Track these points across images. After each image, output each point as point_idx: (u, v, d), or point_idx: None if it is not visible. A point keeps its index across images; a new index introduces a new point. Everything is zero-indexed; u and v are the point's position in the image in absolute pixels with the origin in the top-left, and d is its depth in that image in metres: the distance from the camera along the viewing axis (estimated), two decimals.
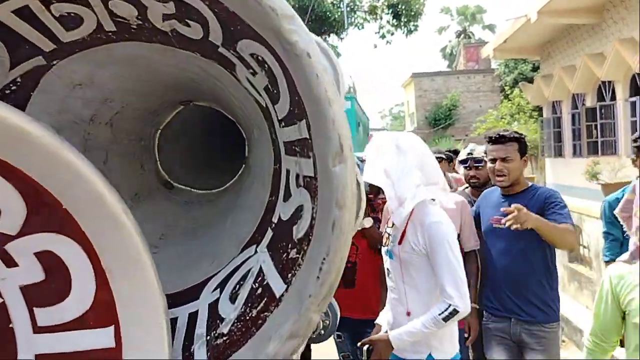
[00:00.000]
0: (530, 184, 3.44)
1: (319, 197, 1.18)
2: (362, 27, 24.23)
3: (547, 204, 3.21)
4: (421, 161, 2.64)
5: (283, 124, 1.28)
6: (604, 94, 11.96)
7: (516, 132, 3.43)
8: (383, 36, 24.13)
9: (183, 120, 1.97)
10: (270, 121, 1.37)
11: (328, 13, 21.95)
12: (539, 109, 17.34)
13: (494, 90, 28.29)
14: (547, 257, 3.29)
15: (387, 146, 2.61)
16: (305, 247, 1.20)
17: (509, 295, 3.31)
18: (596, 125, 12.06)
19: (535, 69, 20.63)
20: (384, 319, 2.88)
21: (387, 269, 2.79)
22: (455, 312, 2.48)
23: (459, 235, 3.28)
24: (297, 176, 1.27)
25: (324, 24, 22.08)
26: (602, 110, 11.90)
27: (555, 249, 3.30)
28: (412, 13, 23.34)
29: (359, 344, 2.71)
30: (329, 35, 23.20)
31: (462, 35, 44.96)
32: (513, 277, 3.30)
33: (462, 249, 3.30)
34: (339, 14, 22.29)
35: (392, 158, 2.58)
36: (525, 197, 3.32)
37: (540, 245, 3.23)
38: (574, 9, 11.57)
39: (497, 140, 3.36)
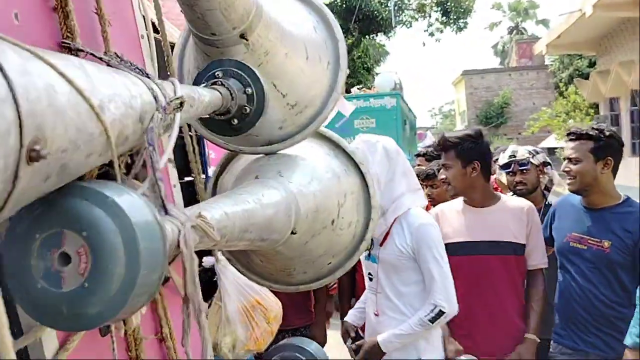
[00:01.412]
0: (624, 197, 2.85)
1: None
2: (410, 26, 24.09)
3: None
4: (406, 167, 2.51)
5: None
6: None
7: (596, 129, 2.80)
8: (432, 34, 23.95)
9: None
10: None
11: (375, 12, 21.73)
12: (596, 106, 16.57)
13: (548, 87, 27.42)
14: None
15: (375, 149, 2.43)
16: None
17: (588, 327, 2.78)
18: None
19: (592, 64, 19.77)
20: (353, 316, 2.88)
21: (369, 273, 2.68)
22: (441, 313, 2.45)
23: (523, 248, 2.91)
24: None
25: (371, 23, 21.91)
26: None
27: None
28: (462, 10, 23.11)
29: (348, 344, 2.72)
30: (376, 35, 23.18)
31: (515, 31, 43.78)
32: (596, 305, 2.76)
33: (520, 265, 2.95)
34: (387, 12, 22.07)
35: (382, 163, 2.44)
36: (614, 214, 2.76)
37: (633, 271, 2.70)
38: (631, 1, 10.87)
39: (568, 136, 2.90)
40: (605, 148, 2.76)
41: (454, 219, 3.03)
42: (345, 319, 2.93)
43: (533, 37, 34.97)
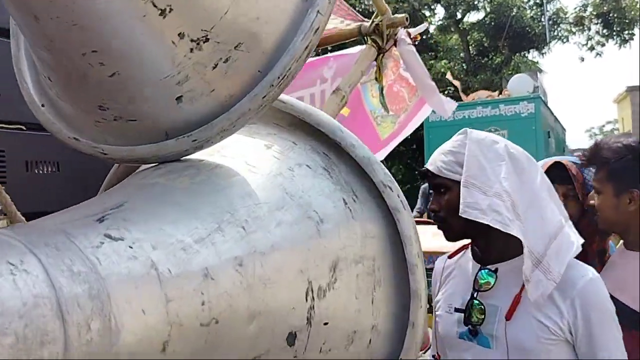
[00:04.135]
0: None
1: None
2: (567, 40, 22.89)
3: None
4: (547, 183, 1.50)
5: None
6: None
7: None
8: (592, 48, 21.93)
9: None
10: None
11: (527, 28, 20.33)
12: None
13: None
14: None
15: (496, 152, 1.47)
16: None
17: None
18: None
19: None
20: None
21: None
22: None
23: None
24: None
25: (523, 39, 20.49)
26: None
27: None
28: (626, 21, 21.36)
29: None
30: (528, 52, 21.68)
31: None
32: None
33: None
34: (540, 28, 20.54)
35: (511, 175, 1.44)
36: None
37: None
38: None
39: None
40: None
41: (620, 266, 1.94)
42: None
43: None
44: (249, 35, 0.66)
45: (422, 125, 7.66)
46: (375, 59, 2.25)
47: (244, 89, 0.68)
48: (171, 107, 0.67)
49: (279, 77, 0.68)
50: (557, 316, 1.42)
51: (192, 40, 0.64)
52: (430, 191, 1.60)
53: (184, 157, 0.73)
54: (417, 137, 7.85)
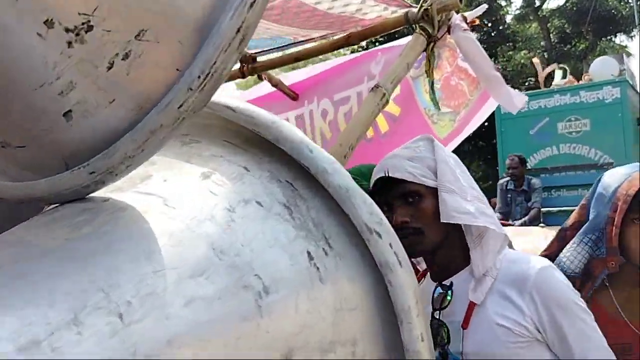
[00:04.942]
0: None
1: None
2: None
3: None
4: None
5: None
6: None
7: None
8: None
9: None
10: None
11: (613, 11, 19.52)
12: None
13: None
14: None
15: (453, 157, 1.47)
16: None
17: None
18: None
19: None
20: None
21: None
22: None
23: None
24: None
25: (609, 23, 19.58)
26: None
27: None
28: None
29: None
30: (615, 36, 20.67)
31: None
32: None
33: None
34: (627, 9, 19.56)
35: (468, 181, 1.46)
36: None
37: None
38: None
39: None
40: None
41: None
42: None
43: None
44: (156, 18, 0.44)
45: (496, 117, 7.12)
46: (425, 50, 1.98)
47: (156, 96, 0.46)
48: (60, 127, 0.47)
49: (199, 77, 0.45)
50: (517, 315, 1.35)
51: (67, 30, 0.43)
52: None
53: (90, 195, 0.53)
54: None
